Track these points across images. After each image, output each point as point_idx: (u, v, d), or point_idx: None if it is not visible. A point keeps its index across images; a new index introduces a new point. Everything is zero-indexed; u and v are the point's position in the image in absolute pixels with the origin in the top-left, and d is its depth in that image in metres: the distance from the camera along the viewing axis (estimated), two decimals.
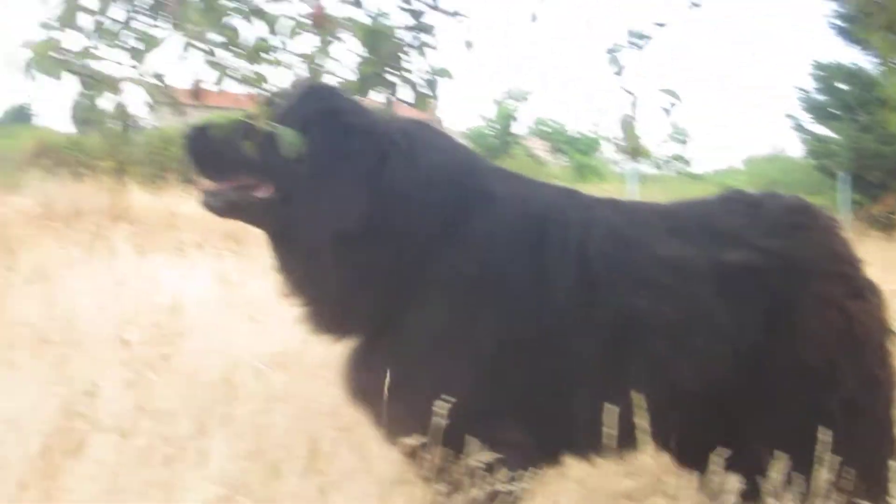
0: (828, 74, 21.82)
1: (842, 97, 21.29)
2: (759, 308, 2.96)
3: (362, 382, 2.89)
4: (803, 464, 2.75)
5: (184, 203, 12.55)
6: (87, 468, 2.97)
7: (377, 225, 2.76)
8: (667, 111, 2.67)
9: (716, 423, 2.92)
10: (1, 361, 4.17)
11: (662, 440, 2.99)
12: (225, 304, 5.62)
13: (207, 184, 2.98)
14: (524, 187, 3.00)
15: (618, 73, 2.70)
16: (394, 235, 2.77)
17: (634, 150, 2.67)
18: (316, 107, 2.87)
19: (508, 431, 2.73)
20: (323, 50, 2.96)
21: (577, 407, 2.80)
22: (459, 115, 48.16)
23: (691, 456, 3.04)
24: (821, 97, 22.14)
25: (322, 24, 2.83)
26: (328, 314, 2.96)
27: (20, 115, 40.38)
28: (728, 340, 2.92)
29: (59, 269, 6.37)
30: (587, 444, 2.88)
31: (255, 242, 9.01)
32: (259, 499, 2.85)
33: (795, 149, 32.60)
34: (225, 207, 2.96)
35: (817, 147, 21.70)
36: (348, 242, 2.78)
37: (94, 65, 2.89)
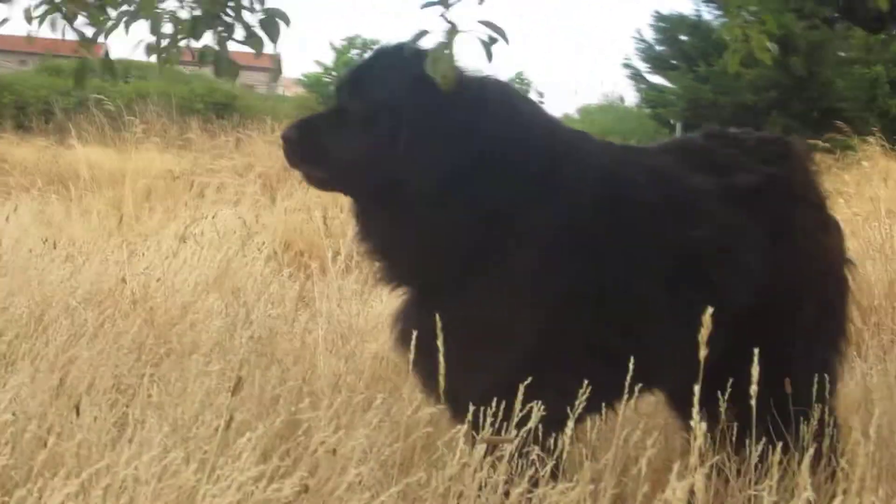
0: (669, 25, 22.31)
1: (682, 48, 21.81)
2: (766, 230, 3.06)
3: (430, 329, 2.70)
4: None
5: (16, 148, 12.16)
6: None
7: (478, 168, 2.73)
8: (487, 45, 2.65)
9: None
10: None
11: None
12: (44, 243, 5.51)
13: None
14: (591, 142, 3.06)
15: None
16: (493, 178, 2.74)
17: (447, 82, 2.63)
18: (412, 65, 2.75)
19: (570, 381, 2.62)
20: None
21: (650, 345, 2.81)
22: (295, 62, 46.70)
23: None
24: (660, 47, 22.66)
25: None
26: (415, 261, 2.89)
27: None
28: (760, 258, 3.02)
29: None
30: (658, 380, 2.97)
31: (83, 187, 8.86)
32: (56, 431, 2.85)
33: (629, 98, 32.98)
34: (326, 179, 2.99)
35: (653, 96, 22.22)
36: (453, 184, 2.74)
37: None
